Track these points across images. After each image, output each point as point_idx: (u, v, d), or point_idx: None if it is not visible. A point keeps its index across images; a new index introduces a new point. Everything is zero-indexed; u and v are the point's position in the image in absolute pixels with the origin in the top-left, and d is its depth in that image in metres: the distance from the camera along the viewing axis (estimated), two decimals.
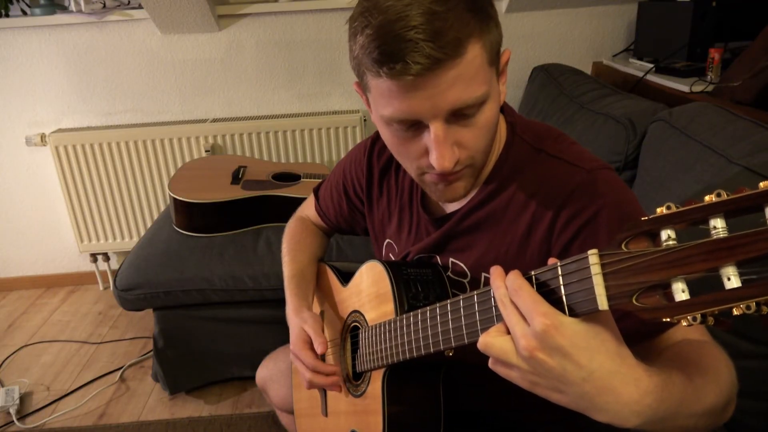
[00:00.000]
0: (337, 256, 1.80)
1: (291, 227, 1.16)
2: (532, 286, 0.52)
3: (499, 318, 0.57)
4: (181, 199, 1.86)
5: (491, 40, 0.65)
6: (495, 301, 0.59)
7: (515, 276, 0.53)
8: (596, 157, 0.76)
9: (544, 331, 0.49)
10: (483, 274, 0.80)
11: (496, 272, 0.56)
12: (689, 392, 0.54)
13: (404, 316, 0.76)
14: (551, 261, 0.53)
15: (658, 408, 0.51)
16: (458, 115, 0.65)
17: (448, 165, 0.66)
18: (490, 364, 0.55)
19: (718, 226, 0.41)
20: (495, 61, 0.67)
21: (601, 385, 0.49)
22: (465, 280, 0.82)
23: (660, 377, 0.52)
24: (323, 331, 0.95)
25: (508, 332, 0.53)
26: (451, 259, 0.84)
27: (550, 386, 0.52)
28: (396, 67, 0.60)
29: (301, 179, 2.06)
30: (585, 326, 0.49)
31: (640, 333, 0.66)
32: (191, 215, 1.88)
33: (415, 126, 0.67)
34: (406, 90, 0.62)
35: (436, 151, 0.66)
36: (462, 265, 0.82)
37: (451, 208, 0.84)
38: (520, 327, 0.51)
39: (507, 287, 0.53)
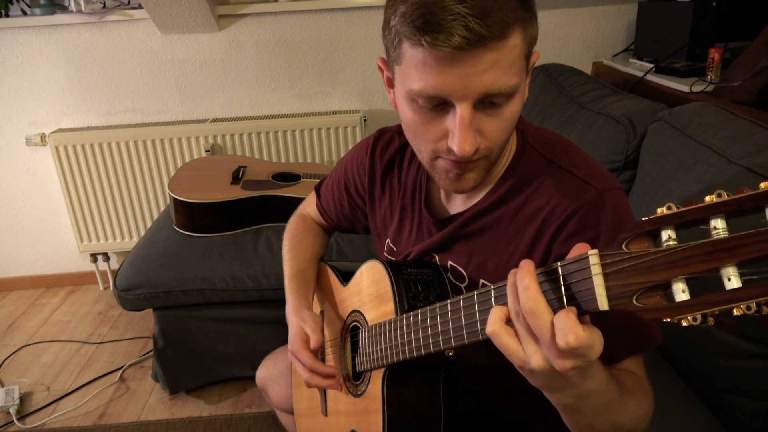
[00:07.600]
0: (337, 256, 1.80)
1: (292, 225, 1.15)
2: None
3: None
4: (181, 199, 1.86)
5: (531, 34, 0.65)
6: (495, 302, 0.59)
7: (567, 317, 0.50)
8: (608, 173, 0.75)
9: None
10: (481, 281, 0.80)
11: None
12: (615, 400, 0.60)
13: (404, 315, 0.76)
14: None
15: (592, 397, 0.56)
16: (486, 103, 0.64)
17: (469, 150, 0.65)
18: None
19: (718, 226, 0.41)
20: (528, 56, 0.67)
21: (586, 375, 0.54)
22: (463, 285, 0.82)
23: (606, 373, 0.58)
24: (322, 330, 0.94)
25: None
26: (450, 262, 0.83)
27: (554, 387, 0.55)
28: (439, 37, 0.59)
29: (301, 179, 2.06)
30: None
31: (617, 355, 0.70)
32: (191, 215, 1.88)
33: (440, 106, 0.66)
34: (443, 63, 0.61)
35: (460, 135, 0.64)
36: (461, 269, 0.82)
37: (455, 209, 0.84)
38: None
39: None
